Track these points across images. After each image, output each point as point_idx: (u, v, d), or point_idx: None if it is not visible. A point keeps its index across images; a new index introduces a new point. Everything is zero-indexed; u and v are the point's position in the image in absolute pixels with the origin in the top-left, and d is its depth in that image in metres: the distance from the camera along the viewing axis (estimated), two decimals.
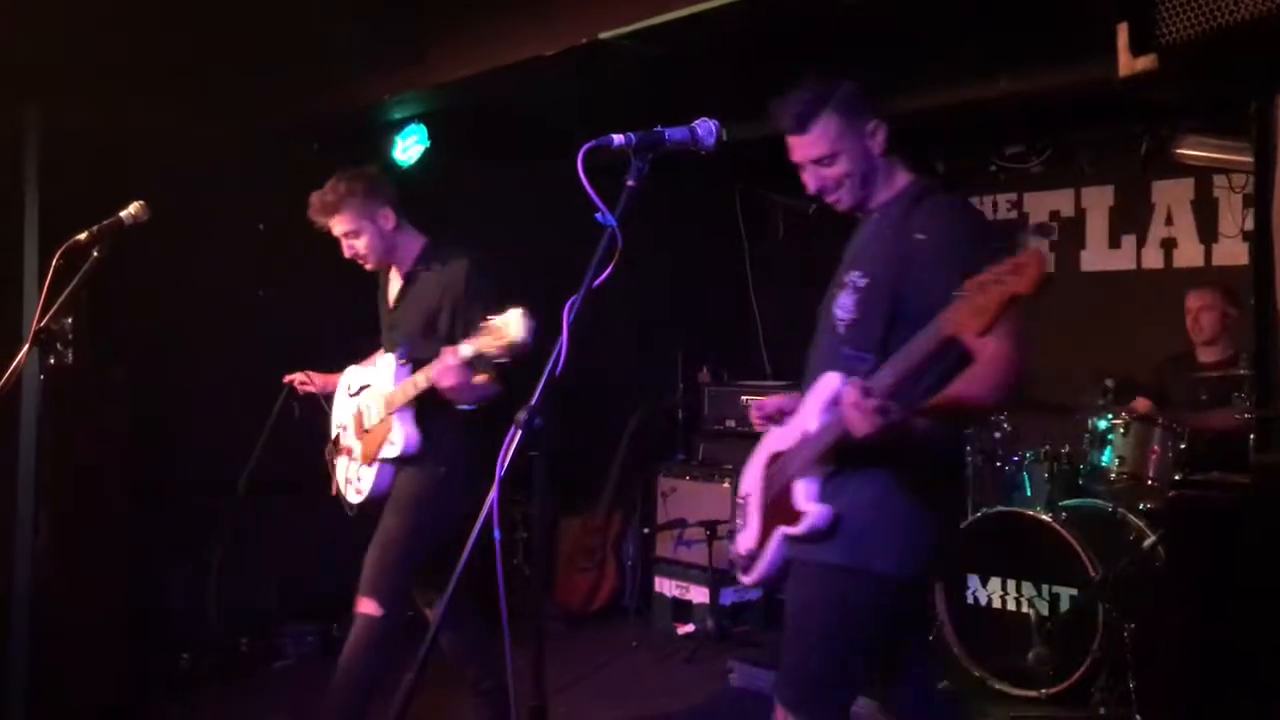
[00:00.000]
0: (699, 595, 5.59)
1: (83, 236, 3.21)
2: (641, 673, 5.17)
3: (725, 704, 4.75)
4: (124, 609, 4.58)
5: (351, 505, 3.70)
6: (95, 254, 3.20)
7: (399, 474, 3.59)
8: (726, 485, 5.65)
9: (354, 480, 3.69)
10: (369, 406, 3.64)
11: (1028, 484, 4.72)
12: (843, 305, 2.55)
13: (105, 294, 3.62)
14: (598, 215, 2.34)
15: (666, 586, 5.76)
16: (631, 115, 2.48)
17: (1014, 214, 6.38)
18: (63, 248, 3.17)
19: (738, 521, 2.83)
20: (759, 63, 4.62)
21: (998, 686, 4.37)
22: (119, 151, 3.42)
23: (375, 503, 3.62)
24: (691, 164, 2.56)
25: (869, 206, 2.63)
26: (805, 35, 4.28)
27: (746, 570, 2.70)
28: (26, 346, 3.09)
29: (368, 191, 3.56)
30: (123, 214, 3.31)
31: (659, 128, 2.19)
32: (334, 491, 3.78)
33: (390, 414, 3.50)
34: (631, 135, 2.17)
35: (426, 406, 3.47)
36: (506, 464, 2.02)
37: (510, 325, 2.97)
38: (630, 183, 2.15)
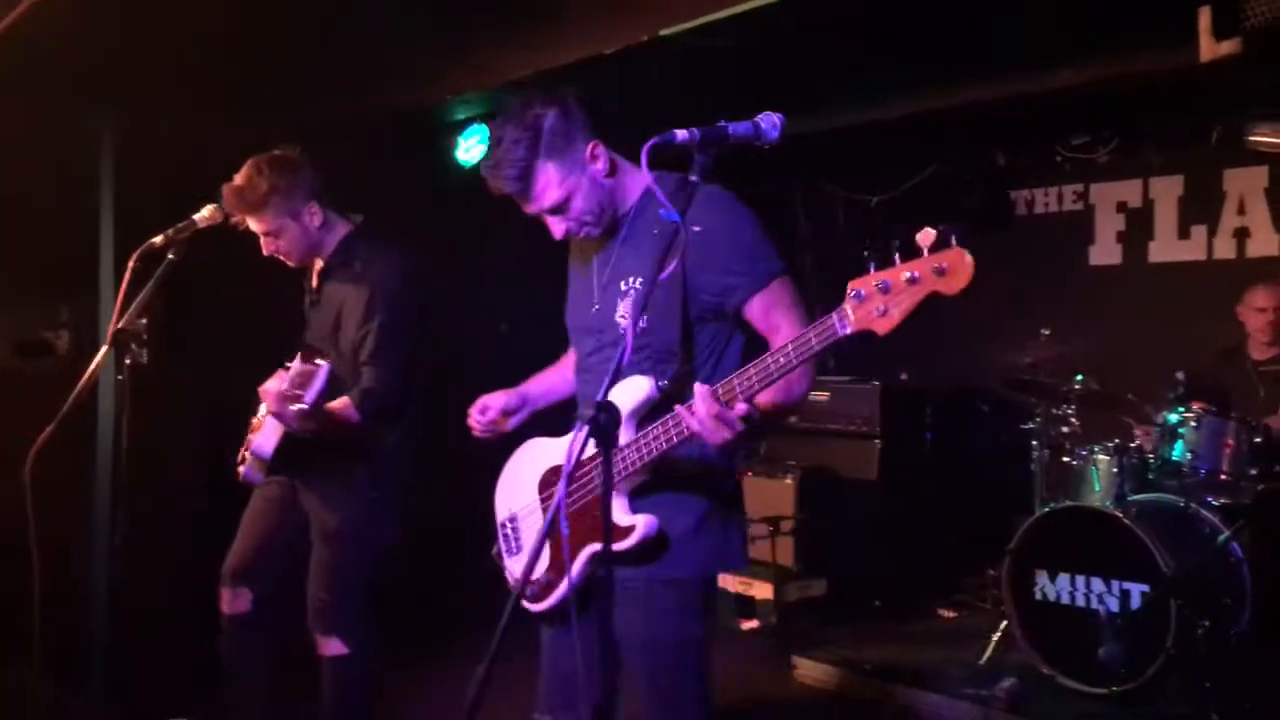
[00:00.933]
0: (762, 591, 5.57)
1: (158, 240, 3.28)
2: None
3: (789, 700, 4.74)
4: (198, 604, 4.69)
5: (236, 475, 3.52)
6: (170, 256, 3.28)
7: (327, 493, 3.43)
8: (789, 481, 5.64)
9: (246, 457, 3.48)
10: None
11: (1096, 478, 4.65)
12: (627, 313, 2.42)
13: (180, 295, 3.69)
14: (662, 211, 2.34)
15: (729, 582, 5.76)
16: (690, 111, 2.48)
17: (1079, 205, 6.29)
18: (138, 251, 3.24)
19: (502, 546, 2.65)
20: (818, 55, 4.61)
21: (1066, 683, 4.31)
22: (191, 155, 3.50)
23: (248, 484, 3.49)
24: (750, 158, 2.55)
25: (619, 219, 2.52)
26: (866, 27, 4.26)
27: (538, 598, 2.47)
28: (104, 348, 3.17)
29: (291, 187, 3.32)
30: (196, 217, 3.38)
31: (722, 122, 2.18)
32: (238, 459, 3.59)
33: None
34: (695, 130, 2.15)
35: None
36: (574, 461, 2.02)
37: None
38: (693, 178, 2.14)
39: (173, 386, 4.22)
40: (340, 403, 3.26)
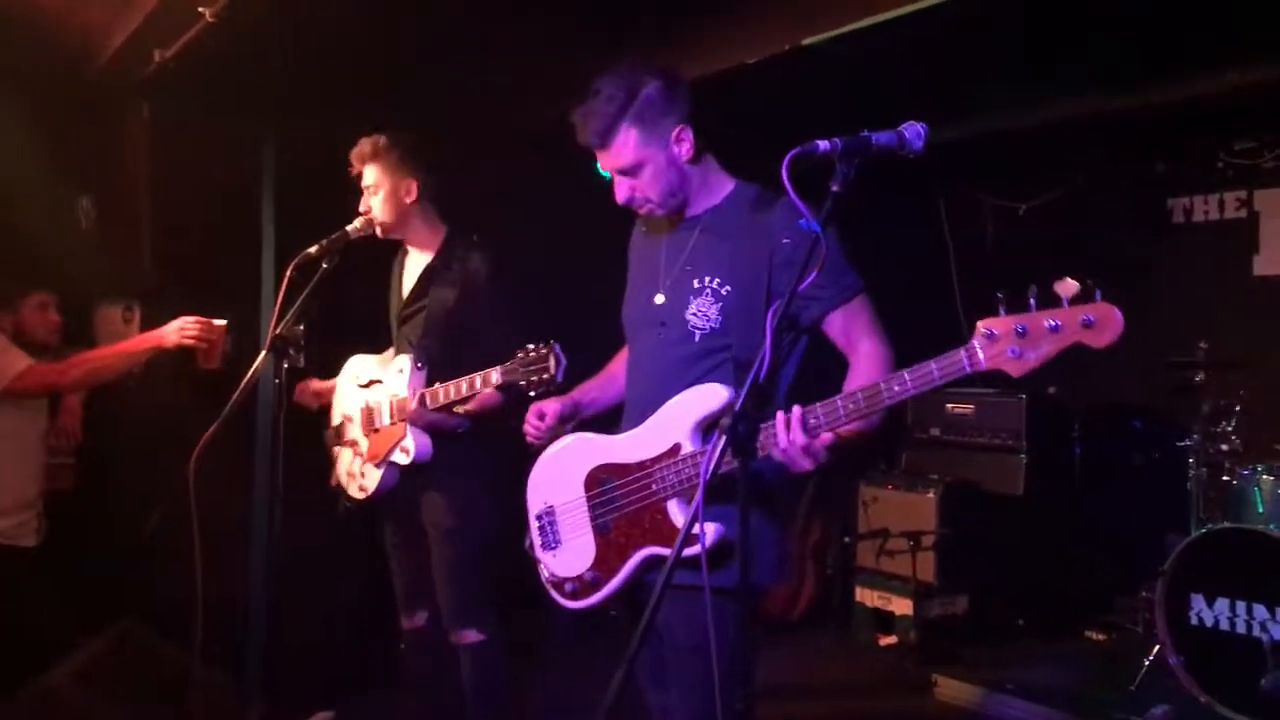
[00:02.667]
0: (901, 606, 5.48)
1: (313, 250, 3.42)
2: (841, 683, 5.12)
3: (928, 718, 4.65)
4: (354, 599, 4.86)
5: (351, 500, 3.65)
6: (324, 265, 3.42)
7: (430, 494, 3.55)
8: (931, 495, 5.52)
9: (357, 476, 3.63)
10: (379, 405, 3.55)
11: (1259, 499, 4.43)
12: (702, 312, 2.45)
13: (334, 302, 3.83)
14: (802, 222, 2.33)
15: (868, 597, 5.68)
16: (831, 120, 2.47)
17: (1243, 213, 6.00)
18: (295, 260, 3.39)
19: (537, 539, 2.62)
20: (967, 60, 4.53)
21: (1225, 713, 4.11)
22: (347, 168, 3.64)
23: (378, 501, 3.60)
24: (893, 167, 2.52)
25: (689, 213, 2.55)
26: (1016, 31, 4.16)
27: (577, 595, 2.49)
28: (264, 352, 3.32)
29: (402, 157, 3.52)
30: (348, 228, 3.52)
31: (864, 132, 2.16)
32: (333, 483, 3.76)
33: (404, 421, 3.44)
34: (837, 140, 2.14)
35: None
36: (710, 471, 2.03)
37: (550, 361, 2.92)
38: (835, 188, 2.12)
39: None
40: (487, 393, 3.33)
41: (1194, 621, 4.29)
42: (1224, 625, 4.22)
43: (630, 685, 1.88)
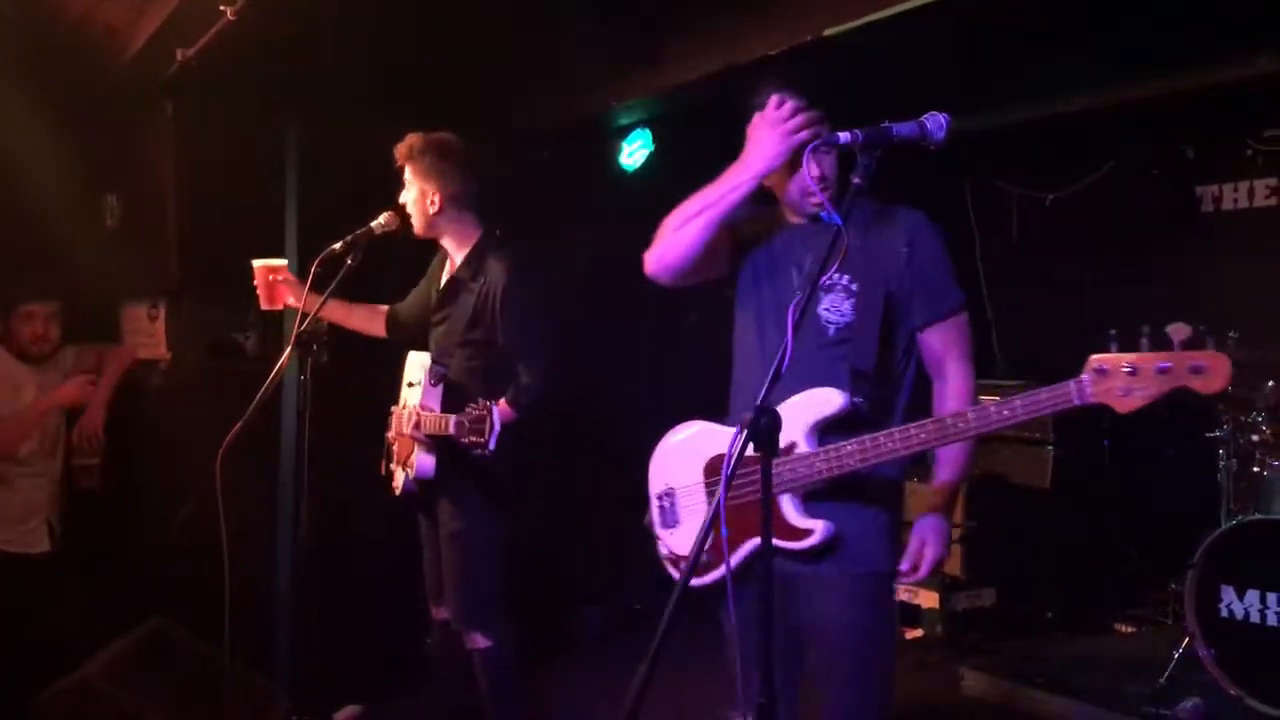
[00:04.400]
0: (928, 600, 5.45)
1: (338, 246, 3.43)
2: None
3: (956, 712, 4.63)
4: (376, 597, 4.88)
5: (393, 490, 3.71)
6: (349, 261, 3.43)
7: (440, 498, 3.58)
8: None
9: (394, 472, 3.70)
10: (408, 410, 3.57)
11: None
12: (835, 308, 2.52)
13: (357, 298, 3.85)
14: (823, 214, 2.34)
15: None
16: (854, 112, 2.45)
17: (1274, 201, 5.92)
18: (320, 256, 3.40)
19: (657, 517, 2.71)
20: (990, 49, 4.49)
21: (1256, 706, 4.07)
22: (369, 164, 3.65)
23: (408, 497, 3.65)
24: (916, 157, 2.51)
25: (804, 213, 2.61)
26: (1041, 19, 4.12)
27: (691, 573, 2.58)
28: (288, 349, 3.33)
29: (430, 162, 3.53)
30: (373, 224, 3.52)
31: (886, 123, 2.15)
32: (383, 470, 3.80)
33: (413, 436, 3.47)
34: (858, 132, 2.14)
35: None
36: (732, 465, 2.01)
37: (485, 427, 3.01)
38: (856, 180, 2.11)
39: (350, 385, 4.41)
40: (498, 406, 3.34)
41: (1224, 614, 4.24)
42: (1255, 618, 4.17)
43: (652, 683, 1.86)
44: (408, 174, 3.57)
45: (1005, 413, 2.18)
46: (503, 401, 3.40)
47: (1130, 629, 5.44)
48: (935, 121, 2.17)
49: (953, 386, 2.56)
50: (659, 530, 2.71)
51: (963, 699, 4.73)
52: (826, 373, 2.46)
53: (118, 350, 4.52)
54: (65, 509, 4.26)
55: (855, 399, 2.42)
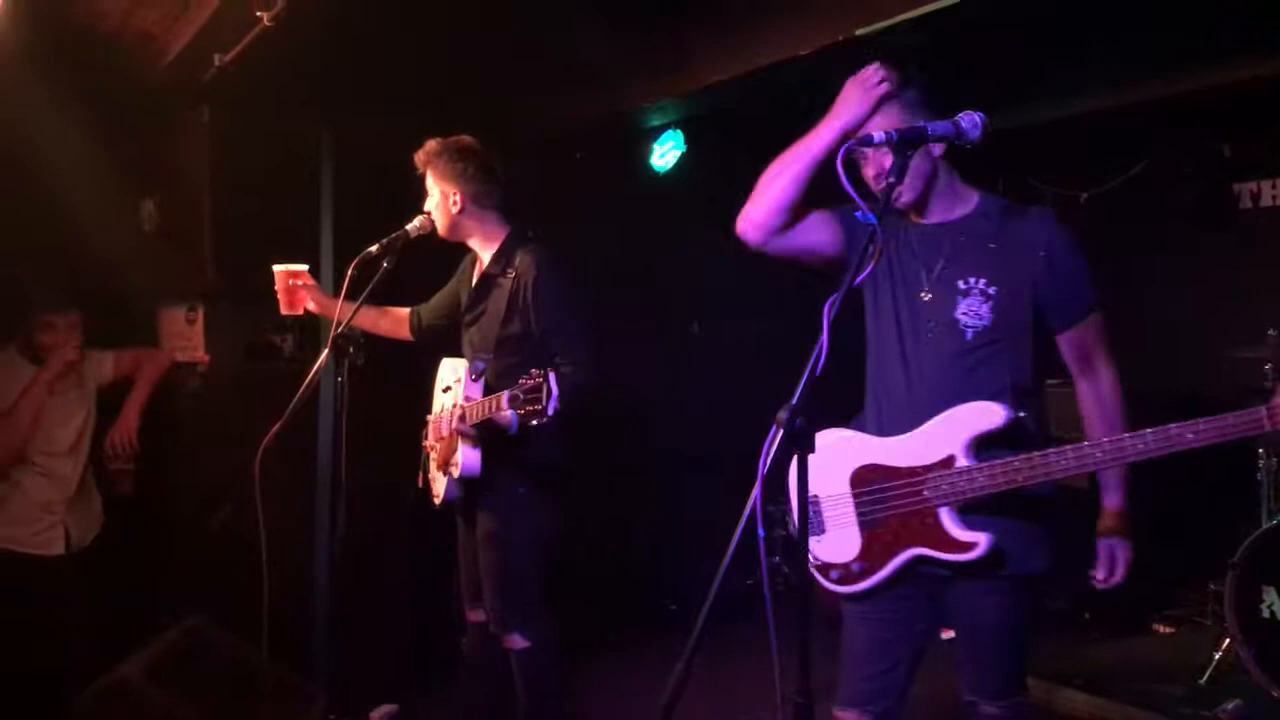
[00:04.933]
0: None
1: (374, 249, 3.45)
2: None
3: None
4: (410, 594, 4.91)
5: (434, 501, 3.71)
6: (385, 264, 3.46)
7: (479, 498, 3.57)
8: None
9: (434, 481, 3.69)
10: (445, 412, 3.59)
11: None
12: (972, 311, 2.51)
13: (392, 300, 3.88)
14: (858, 214, 2.33)
15: None
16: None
17: None
18: (356, 259, 3.42)
19: (795, 520, 2.64)
20: (1022, 47, 4.46)
21: None
22: (403, 168, 3.67)
23: (450, 507, 3.65)
24: (950, 155, 2.51)
25: (939, 218, 2.59)
26: (1071, 14, 4.09)
27: (843, 580, 2.64)
28: (325, 351, 3.36)
29: (449, 165, 3.55)
30: (408, 227, 3.55)
31: (920, 122, 2.15)
32: (420, 483, 3.80)
33: (456, 434, 3.45)
34: (892, 131, 2.14)
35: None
36: (767, 465, 2.01)
37: (542, 394, 2.94)
38: (891, 179, 2.12)
39: (386, 387, 4.44)
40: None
41: (1265, 615, 4.19)
42: None
43: (685, 682, 1.87)
44: (429, 179, 3.60)
45: (1190, 436, 2.19)
46: None
47: (1169, 629, 5.38)
48: (970, 120, 2.17)
49: (1105, 386, 2.60)
50: (814, 539, 2.71)
51: None
52: (966, 380, 2.49)
53: (155, 353, 4.56)
54: (99, 511, 4.30)
55: (1019, 413, 2.44)
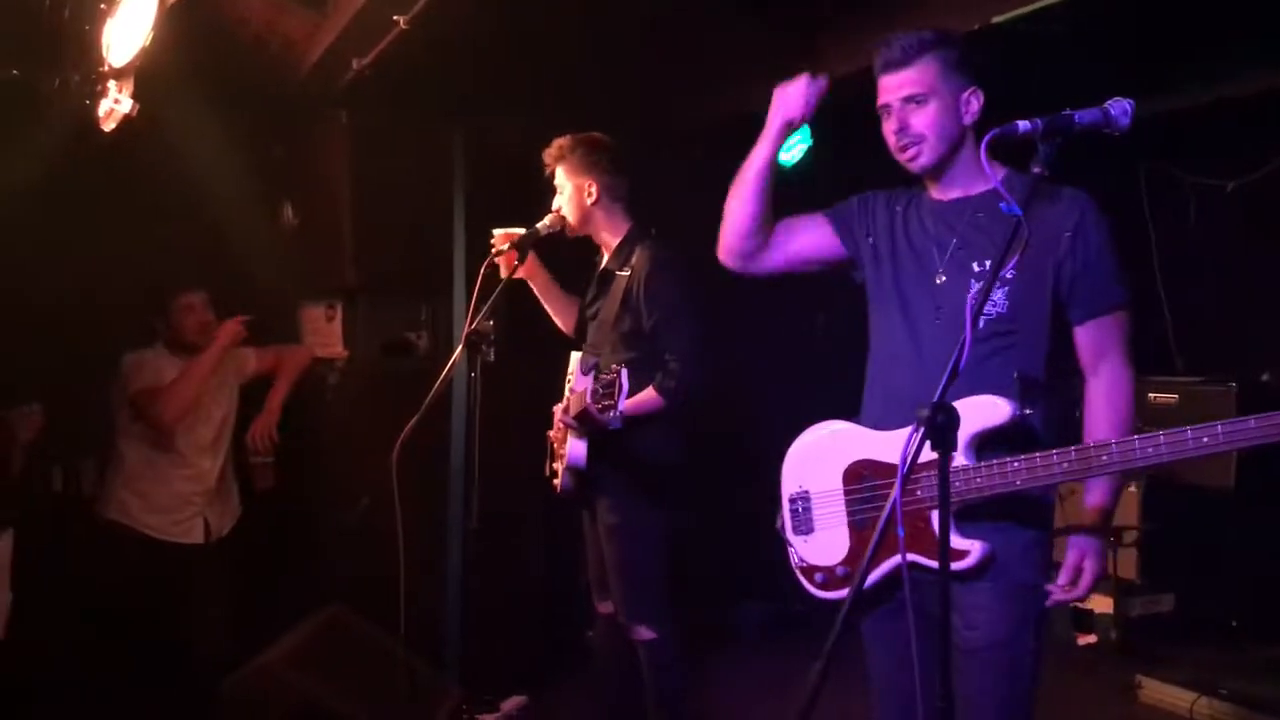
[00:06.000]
0: (1101, 604, 5.24)
1: (505, 247, 3.52)
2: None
3: None
4: (540, 586, 4.98)
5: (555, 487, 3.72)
6: (516, 262, 3.51)
7: (598, 492, 3.60)
8: (1134, 489, 5.26)
9: (557, 471, 3.71)
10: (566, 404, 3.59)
11: None
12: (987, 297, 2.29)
13: (518, 296, 3.93)
14: (1002, 205, 2.27)
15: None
16: (1022, 99, 2.38)
17: None
18: (489, 258, 3.49)
19: (789, 521, 2.57)
20: (1161, 31, 4.29)
21: None
22: (534, 167, 3.72)
23: (569, 498, 3.66)
24: (1091, 144, 2.41)
25: (959, 194, 2.45)
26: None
27: (826, 586, 2.48)
28: (459, 348, 3.42)
29: (582, 158, 3.62)
30: (539, 225, 3.60)
31: (1067, 110, 2.08)
32: (547, 472, 3.82)
33: (567, 425, 3.49)
34: (1038, 120, 2.07)
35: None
36: (909, 463, 1.97)
37: (614, 389, 2.94)
38: (1036, 170, 2.05)
39: (518, 382, 4.50)
40: (644, 395, 3.42)
41: None
42: None
43: (825, 681, 1.85)
44: (560, 175, 3.66)
45: (1206, 439, 1.98)
46: (651, 388, 3.43)
47: None
48: (1120, 107, 2.08)
49: (1107, 388, 2.39)
50: (789, 535, 2.59)
51: (1140, 708, 4.55)
52: (975, 371, 2.24)
53: (296, 350, 4.70)
54: (237, 503, 4.44)
55: (1025, 410, 2.28)
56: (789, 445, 2.67)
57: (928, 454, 2.18)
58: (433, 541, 4.68)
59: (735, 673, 5.04)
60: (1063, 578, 2.39)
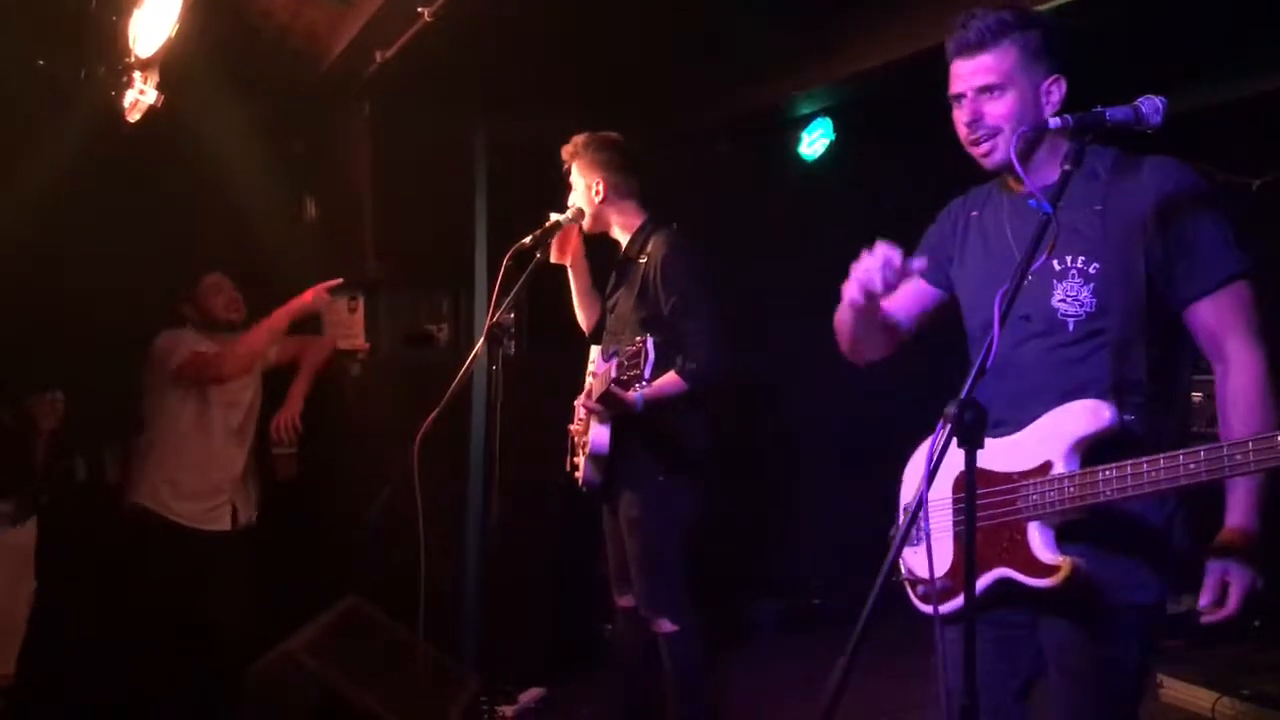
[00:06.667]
0: None
1: (527, 240, 3.51)
2: None
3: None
4: (558, 580, 4.98)
5: (577, 480, 3.73)
6: (537, 255, 3.51)
7: (621, 484, 3.60)
8: None
9: (578, 465, 3.72)
10: (588, 390, 3.61)
11: None
12: (1071, 297, 2.16)
13: (544, 290, 3.93)
14: (1031, 202, 2.23)
15: None
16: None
17: None
18: (511, 251, 3.48)
19: (895, 530, 2.42)
20: (1188, 28, 4.26)
21: None
22: (557, 159, 3.73)
23: (591, 489, 3.66)
24: (1119, 141, 2.37)
25: (1035, 184, 2.14)
26: None
27: (929, 599, 2.26)
28: (481, 341, 3.41)
29: (592, 156, 3.66)
30: (560, 217, 3.60)
31: (1098, 107, 2.05)
32: (568, 466, 3.83)
33: (589, 412, 3.52)
34: (1068, 117, 2.03)
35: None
36: (935, 460, 1.94)
37: (640, 357, 2.94)
38: (1067, 167, 2.00)
39: (538, 376, 4.49)
40: (666, 378, 3.42)
41: None
42: None
43: (849, 678, 1.83)
44: (574, 172, 3.70)
45: None
46: (671, 372, 3.44)
47: None
48: (1151, 105, 2.03)
49: (1236, 373, 2.12)
50: (909, 550, 2.42)
51: (1161, 707, 4.53)
52: (1068, 376, 2.16)
53: (318, 341, 4.71)
54: (261, 493, 4.46)
55: (1125, 415, 2.11)
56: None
57: (1029, 464, 2.15)
58: (453, 533, 4.69)
59: (754, 668, 5.04)
60: (1205, 596, 2.15)
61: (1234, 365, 2.13)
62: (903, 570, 2.41)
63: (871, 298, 2.21)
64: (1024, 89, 2.22)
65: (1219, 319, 2.14)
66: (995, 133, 2.23)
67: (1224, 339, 2.14)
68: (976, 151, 2.28)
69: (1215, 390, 2.18)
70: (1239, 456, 1.86)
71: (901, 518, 2.47)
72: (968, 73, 2.25)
